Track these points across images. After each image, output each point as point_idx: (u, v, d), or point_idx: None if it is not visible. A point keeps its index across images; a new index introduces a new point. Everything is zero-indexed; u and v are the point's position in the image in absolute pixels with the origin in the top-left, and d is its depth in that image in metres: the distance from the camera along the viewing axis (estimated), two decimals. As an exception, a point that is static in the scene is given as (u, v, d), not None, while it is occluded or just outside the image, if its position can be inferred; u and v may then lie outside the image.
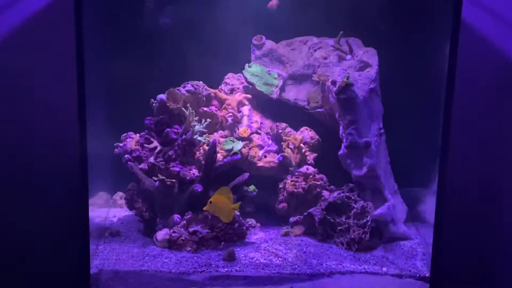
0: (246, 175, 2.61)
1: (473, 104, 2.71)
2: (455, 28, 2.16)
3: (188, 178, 2.61)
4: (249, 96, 2.84)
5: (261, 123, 2.82)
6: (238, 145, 2.70)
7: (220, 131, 2.79)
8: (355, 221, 2.57)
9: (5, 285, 2.74)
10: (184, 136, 2.62)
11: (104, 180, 2.79)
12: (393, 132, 2.71)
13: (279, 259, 2.46)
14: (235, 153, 2.67)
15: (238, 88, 2.87)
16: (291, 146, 2.75)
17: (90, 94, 2.21)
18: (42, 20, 2.62)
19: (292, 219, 2.70)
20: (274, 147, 2.76)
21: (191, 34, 2.81)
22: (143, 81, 2.80)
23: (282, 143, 2.77)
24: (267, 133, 2.79)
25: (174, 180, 2.59)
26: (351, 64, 2.75)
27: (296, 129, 2.83)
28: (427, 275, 2.38)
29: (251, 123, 2.79)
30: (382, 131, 2.66)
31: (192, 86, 2.74)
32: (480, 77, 2.71)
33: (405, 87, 2.74)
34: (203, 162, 2.65)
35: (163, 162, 2.60)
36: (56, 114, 2.66)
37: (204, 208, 2.47)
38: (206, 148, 2.66)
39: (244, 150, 2.71)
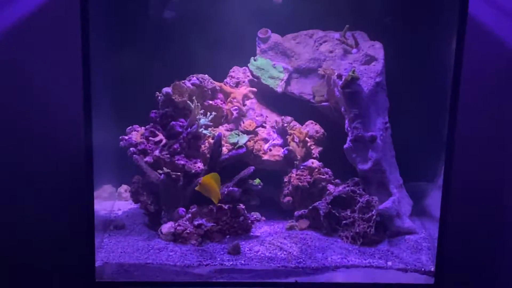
0: (251, 168, 2.60)
1: (478, 99, 2.71)
2: (461, 23, 2.16)
3: (193, 171, 2.61)
4: (254, 89, 2.83)
5: (266, 116, 2.82)
6: (243, 139, 2.70)
7: (225, 125, 2.79)
8: (360, 215, 2.57)
9: (10, 277, 2.75)
10: (189, 129, 2.62)
11: (109, 173, 2.79)
12: (398, 126, 2.70)
13: (284, 252, 2.46)
14: (240, 147, 2.67)
15: (244, 82, 2.87)
16: (296, 139, 2.75)
17: (95, 87, 2.21)
18: (49, 12, 2.62)
19: (297, 213, 2.70)
20: (280, 141, 2.76)
21: (196, 27, 2.80)
22: (148, 74, 2.80)
23: (287, 136, 2.76)
24: (272, 127, 2.79)
25: (179, 173, 2.59)
26: (357, 58, 2.75)
27: (302, 122, 2.82)
28: (432, 269, 2.37)
29: (257, 116, 2.79)
30: (387, 125, 2.66)
31: (198, 79, 2.74)
32: (486, 72, 2.70)
33: (411, 81, 2.73)
34: (208, 155, 2.65)
35: (168, 155, 2.60)
36: (62, 107, 2.67)
37: (196, 188, 2.48)
38: (211, 141, 2.66)
39: (249, 144, 2.71)
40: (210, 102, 2.77)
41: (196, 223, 2.54)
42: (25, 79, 2.67)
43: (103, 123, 2.42)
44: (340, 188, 2.66)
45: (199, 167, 2.62)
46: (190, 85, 2.70)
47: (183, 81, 2.70)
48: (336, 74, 2.63)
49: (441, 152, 2.32)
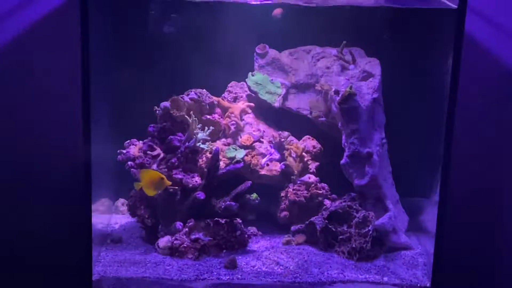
0: (249, 183, 2.61)
1: (475, 115, 2.73)
2: (458, 40, 2.17)
3: (190, 185, 2.61)
4: (252, 104, 2.84)
5: (263, 131, 2.82)
6: (240, 153, 2.71)
7: (223, 139, 2.80)
8: (357, 231, 2.57)
9: (6, 290, 2.75)
10: (187, 143, 2.63)
11: (107, 186, 2.79)
12: (395, 142, 2.71)
13: (281, 267, 2.47)
14: (238, 161, 2.68)
15: (241, 97, 2.88)
16: (293, 154, 2.76)
17: (94, 101, 2.22)
18: (48, 27, 2.64)
19: (293, 228, 2.70)
20: (277, 156, 2.76)
21: (195, 42, 2.81)
22: (146, 88, 2.81)
23: (284, 151, 2.77)
24: (269, 142, 2.79)
25: (176, 187, 2.59)
26: (354, 74, 2.76)
27: (299, 138, 2.83)
28: (428, 285, 2.38)
29: (254, 131, 2.80)
30: (384, 141, 2.67)
31: (196, 94, 2.75)
32: (483, 89, 2.72)
33: (408, 97, 2.75)
34: (205, 169, 2.65)
35: (166, 169, 2.61)
36: (60, 121, 2.67)
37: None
38: (209, 155, 2.67)
39: (247, 158, 2.72)
40: (208, 116, 2.78)
41: (193, 237, 2.55)
42: (24, 92, 2.68)
43: (101, 137, 2.43)
44: (337, 203, 2.67)
45: (196, 181, 2.62)
46: (188, 100, 2.71)
47: (181, 95, 2.71)
48: (333, 90, 2.64)
49: (437, 168, 2.33)
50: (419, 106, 2.71)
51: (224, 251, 2.58)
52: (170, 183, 2.53)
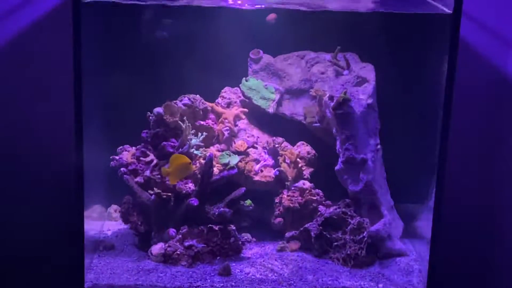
0: (243, 189, 2.59)
1: (470, 120, 2.73)
2: (453, 44, 2.17)
3: (184, 192, 2.60)
4: (246, 110, 2.83)
5: (257, 137, 2.81)
6: (234, 159, 2.69)
7: (217, 145, 2.79)
8: (351, 237, 2.56)
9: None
10: (180, 149, 2.61)
11: (99, 193, 2.77)
12: (389, 148, 2.70)
13: (275, 274, 2.45)
14: (232, 167, 2.66)
15: (235, 102, 2.86)
16: (288, 160, 2.74)
17: (86, 107, 2.20)
18: (39, 32, 2.62)
19: (288, 234, 2.69)
20: (271, 162, 2.75)
21: (188, 47, 2.80)
22: (139, 94, 2.79)
23: (278, 157, 2.76)
24: (263, 148, 2.78)
25: (170, 194, 2.58)
26: (348, 79, 2.75)
27: (293, 143, 2.82)
28: (423, 292, 2.38)
29: (248, 137, 2.79)
30: (379, 146, 2.66)
31: (189, 99, 2.74)
32: (478, 94, 2.72)
33: (402, 103, 2.74)
34: (199, 176, 2.64)
35: (159, 176, 2.59)
36: (52, 127, 2.66)
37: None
38: (203, 162, 2.65)
39: (241, 164, 2.70)
40: (202, 122, 2.77)
41: (186, 244, 2.53)
42: (15, 98, 2.67)
43: (94, 143, 2.41)
44: (331, 209, 2.65)
45: (190, 188, 2.61)
46: (181, 105, 2.70)
47: (174, 101, 2.70)
48: (327, 95, 2.63)
49: (432, 174, 2.32)
50: (413, 112, 2.70)
51: (218, 258, 2.57)
52: (194, 168, 2.53)
